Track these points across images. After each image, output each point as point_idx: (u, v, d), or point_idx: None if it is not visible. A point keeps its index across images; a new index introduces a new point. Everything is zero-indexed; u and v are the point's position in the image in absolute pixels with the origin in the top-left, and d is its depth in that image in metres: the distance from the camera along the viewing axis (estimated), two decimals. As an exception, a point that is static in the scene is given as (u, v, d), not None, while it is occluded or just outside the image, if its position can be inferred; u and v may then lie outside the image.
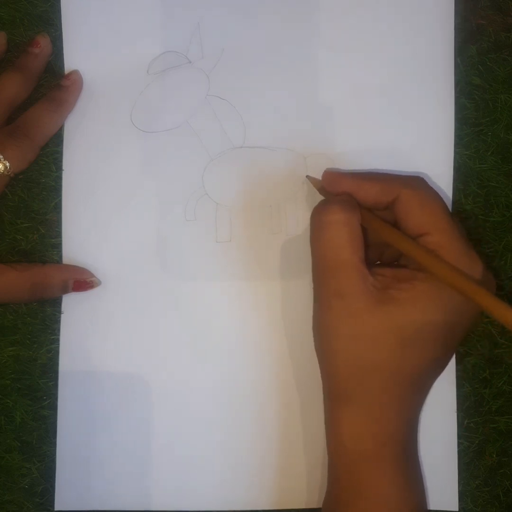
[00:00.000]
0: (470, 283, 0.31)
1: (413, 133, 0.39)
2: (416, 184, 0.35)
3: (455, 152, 0.39)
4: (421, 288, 0.33)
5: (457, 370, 0.39)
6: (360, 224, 0.34)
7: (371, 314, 0.33)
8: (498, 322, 0.31)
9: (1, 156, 0.37)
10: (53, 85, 0.39)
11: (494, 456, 0.39)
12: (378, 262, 0.37)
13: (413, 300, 0.33)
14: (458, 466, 0.38)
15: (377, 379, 0.33)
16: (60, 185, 0.39)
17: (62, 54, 0.40)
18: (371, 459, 0.33)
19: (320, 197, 0.37)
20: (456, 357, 0.39)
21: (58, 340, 0.39)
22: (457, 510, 0.38)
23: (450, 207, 0.39)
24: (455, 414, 0.39)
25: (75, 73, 0.39)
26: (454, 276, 0.32)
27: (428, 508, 0.37)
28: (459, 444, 0.39)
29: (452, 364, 0.39)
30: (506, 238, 0.39)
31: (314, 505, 0.39)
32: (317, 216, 0.35)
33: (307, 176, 0.39)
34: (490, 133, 0.39)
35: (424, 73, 0.39)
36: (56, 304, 0.39)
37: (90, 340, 0.39)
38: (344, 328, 0.33)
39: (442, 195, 0.35)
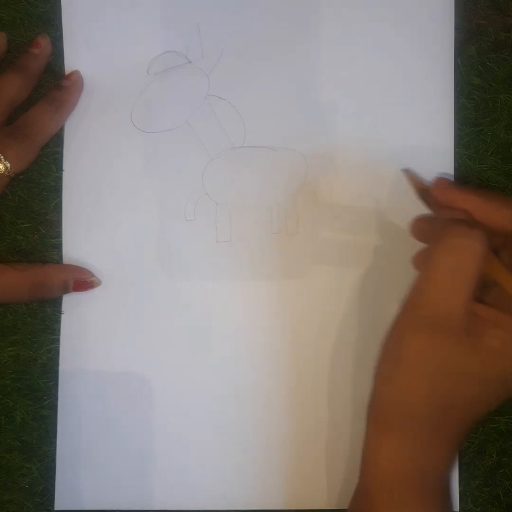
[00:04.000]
0: None
1: (413, 133, 0.39)
2: None
3: (455, 152, 0.39)
4: None
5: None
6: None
7: (455, 358, 0.31)
8: None
9: (2, 156, 0.37)
10: (53, 86, 0.39)
11: (494, 456, 0.39)
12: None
13: (506, 352, 0.31)
14: (458, 466, 0.38)
15: (432, 414, 0.31)
16: (60, 185, 0.39)
17: (62, 54, 0.40)
18: (410, 488, 0.32)
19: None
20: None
21: (58, 340, 0.39)
22: (457, 510, 0.38)
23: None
24: (455, 414, 0.39)
25: (75, 73, 0.39)
26: None
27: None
28: (459, 444, 0.39)
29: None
30: (506, 238, 0.39)
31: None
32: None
33: (404, 170, 0.37)
34: (490, 133, 0.39)
35: (424, 73, 0.39)
36: (56, 304, 0.39)
37: (90, 340, 0.39)
38: (420, 359, 0.31)
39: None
